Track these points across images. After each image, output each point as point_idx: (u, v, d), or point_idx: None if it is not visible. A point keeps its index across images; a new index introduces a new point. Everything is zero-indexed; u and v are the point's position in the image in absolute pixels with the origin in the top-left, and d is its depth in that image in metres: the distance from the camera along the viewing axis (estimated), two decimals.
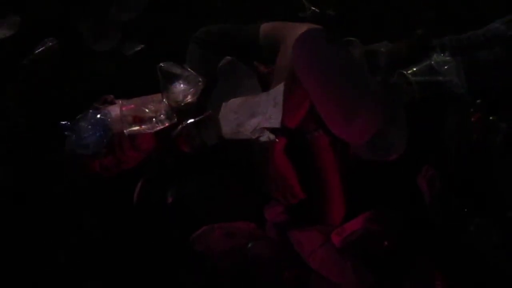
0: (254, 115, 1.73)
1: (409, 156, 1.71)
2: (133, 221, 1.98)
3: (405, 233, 1.71)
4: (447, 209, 1.71)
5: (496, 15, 1.85)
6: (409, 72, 1.73)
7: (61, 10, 2.32)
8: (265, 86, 1.78)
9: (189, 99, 1.78)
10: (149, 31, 2.35)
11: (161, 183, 1.83)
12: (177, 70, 1.79)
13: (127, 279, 2.08)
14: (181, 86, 1.78)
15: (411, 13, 2.16)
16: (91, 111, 1.75)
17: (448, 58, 1.73)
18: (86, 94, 1.98)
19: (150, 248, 1.99)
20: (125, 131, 1.72)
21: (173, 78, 1.78)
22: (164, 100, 1.77)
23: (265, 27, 1.86)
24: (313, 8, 1.99)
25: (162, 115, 1.76)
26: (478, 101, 1.75)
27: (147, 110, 1.75)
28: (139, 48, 2.28)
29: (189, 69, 1.80)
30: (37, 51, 2.09)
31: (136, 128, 1.73)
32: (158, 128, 1.75)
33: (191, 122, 1.75)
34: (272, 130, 1.69)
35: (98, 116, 1.74)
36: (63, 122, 1.73)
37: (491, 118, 1.74)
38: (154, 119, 1.75)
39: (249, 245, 1.75)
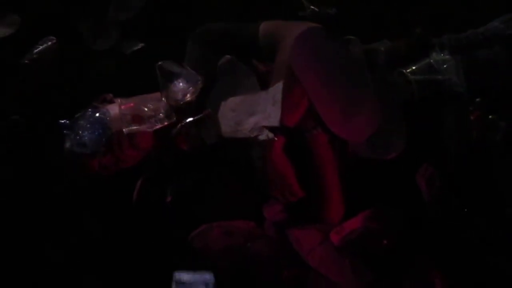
0: (253, 113, 1.73)
1: (408, 154, 1.71)
2: (132, 220, 1.98)
3: (404, 232, 1.71)
4: (446, 207, 1.71)
5: (495, 14, 1.86)
6: (408, 70, 1.73)
7: (60, 9, 2.33)
8: (264, 85, 1.78)
9: (188, 98, 1.78)
10: (148, 30, 2.35)
11: (160, 182, 1.83)
12: (176, 68, 1.79)
13: (127, 279, 2.08)
14: (180, 85, 1.78)
15: (411, 12, 2.16)
16: (90, 109, 1.76)
17: (447, 56, 1.73)
18: (85, 93, 1.98)
19: (150, 247, 1.99)
20: (124, 129, 1.72)
21: (172, 76, 1.78)
22: (163, 98, 1.77)
23: (264, 26, 1.86)
24: (313, 7, 1.99)
25: (161, 114, 1.76)
26: (478, 99, 1.75)
27: (146, 109, 1.75)
28: (138, 47, 2.29)
29: (188, 68, 1.80)
30: (36, 50, 2.09)
31: (135, 127, 1.73)
32: (157, 127, 1.75)
33: (190, 121, 1.76)
34: (271, 129, 1.69)
35: (97, 114, 1.74)
36: (62, 121, 1.73)
37: (490, 116, 1.74)
38: (153, 118, 1.75)
39: (248, 244, 1.75)
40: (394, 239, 1.69)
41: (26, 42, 2.13)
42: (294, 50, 1.67)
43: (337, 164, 1.73)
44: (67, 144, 1.74)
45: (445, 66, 1.72)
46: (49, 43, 2.10)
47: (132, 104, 1.76)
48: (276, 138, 1.69)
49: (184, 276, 1.68)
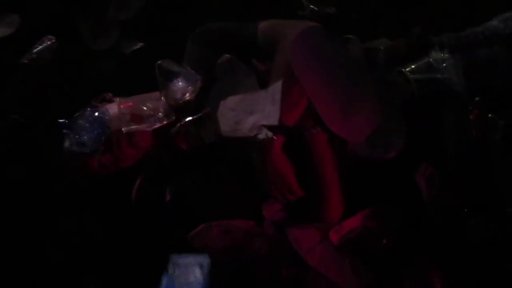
0: (252, 113, 1.73)
1: (407, 153, 1.71)
2: (132, 219, 1.98)
3: (404, 231, 1.71)
4: (446, 207, 1.71)
5: (494, 13, 1.86)
6: (407, 69, 1.73)
7: (60, 9, 2.33)
8: (264, 84, 1.78)
9: (187, 97, 1.78)
10: (148, 29, 2.35)
11: (159, 181, 1.83)
12: (175, 68, 1.80)
13: (127, 279, 2.08)
14: (179, 84, 1.78)
15: (410, 11, 2.15)
16: (89, 109, 1.76)
17: (446, 55, 1.73)
18: (85, 92, 1.98)
19: (149, 247, 1.99)
20: (123, 129, 1.73)
21: (171, 76, 1.79)
22: (162, 98, 1.77)
23: (263, 25, 1.87)
24: (312, 6, 1.99)
25: (160, 113, 1.76)
26: (477, 98, 1.75)
27: (145, 108, 1.76)
28: (138, 47, 2.28)
29: (187, 67, 1.80)
30: (36, 50, 2.09)
31: (134, 126, 1.74)
32: (156, 126, 1.75)
33: (189, 120, 1.76)
34: (270, 128, 1.69)
35: (96, 114, 1.74)
36: (61, 120, 1.74)
37: (489, 115, 1.74)
38: (152, 117, 1.75)
39: (247, 243, 1.75)
40: (393, 239, 1.68)
41: (26, 42, 2.13)
42: (294, 49, 1.68)
43: (336, 163, 1.73)
44: (67, 144, 1.75)
45: (444, 65, 1.72)
46: (49, 42, 2.10)
47: (131, 104, 1.77)
48: (275, 137, 1.69)
49: (180, 258, 1.69)
